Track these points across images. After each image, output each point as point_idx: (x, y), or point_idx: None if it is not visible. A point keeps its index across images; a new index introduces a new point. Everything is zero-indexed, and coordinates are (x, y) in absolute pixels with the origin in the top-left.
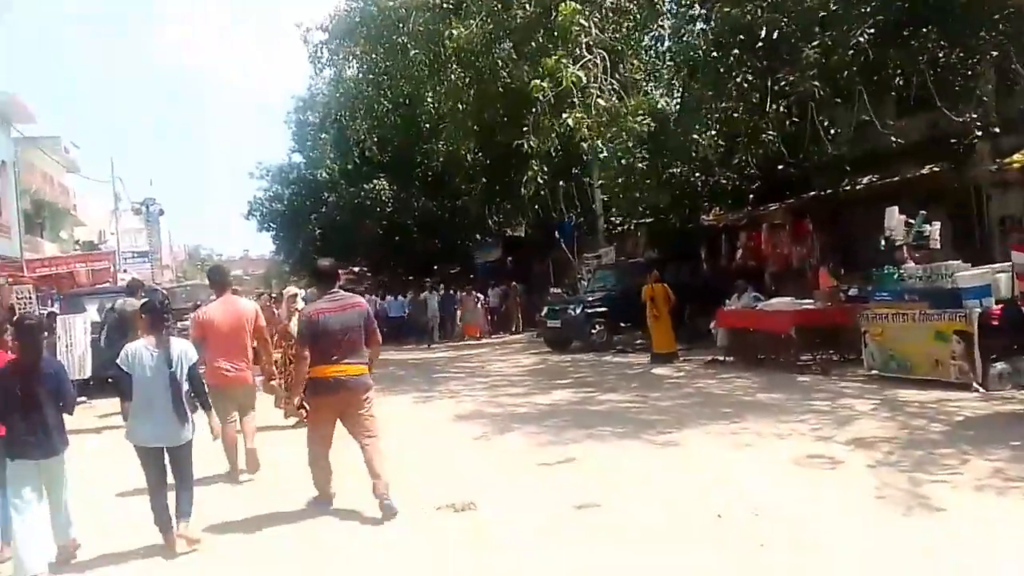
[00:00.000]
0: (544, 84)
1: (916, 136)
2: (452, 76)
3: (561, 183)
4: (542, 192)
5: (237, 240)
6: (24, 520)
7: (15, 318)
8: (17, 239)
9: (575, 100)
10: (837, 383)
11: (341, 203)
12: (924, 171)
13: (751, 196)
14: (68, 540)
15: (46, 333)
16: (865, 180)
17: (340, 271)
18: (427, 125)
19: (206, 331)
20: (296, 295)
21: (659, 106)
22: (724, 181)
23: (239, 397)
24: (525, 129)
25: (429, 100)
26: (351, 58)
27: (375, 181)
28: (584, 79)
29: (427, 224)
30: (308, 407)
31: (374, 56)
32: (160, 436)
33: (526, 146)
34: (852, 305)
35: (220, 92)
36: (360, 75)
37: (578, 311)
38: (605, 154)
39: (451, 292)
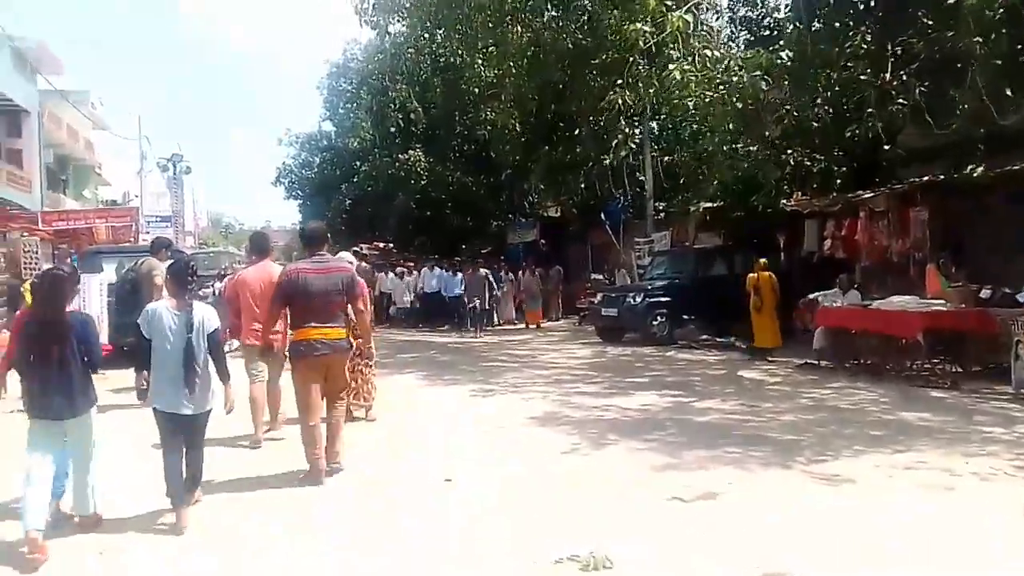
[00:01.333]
0: (645, 28)
1: None
2: (514, 30)
3: (604, 159)
4: (593, 166)
5: (260, 209)
6: (30, 484)
7: (43, 270)
8: (39, 193)
9: (674, 51)
10: (988, 401)
11: (374, 173)
12: None
13: (838, 180)
14: (90, 514)
15: (78, 285)
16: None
17: (328, 235)
18: (475, 91)
19: (240, 292)
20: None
21: (777, 60)
22: (808, 163)
23: (266, 358)
24: (618, 83)
25: (480, 62)
26: (400, 10)
27: (411, 152)
28: (692, 23)
29: (461, 200)
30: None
31: (426, 6)
32: (176, 403)
33: (620, 102)
34: (997, 309)
35: (253, 55)
36: (407, 31)
37: (639, 300)
38: (713, 116)
39: (503, 271)
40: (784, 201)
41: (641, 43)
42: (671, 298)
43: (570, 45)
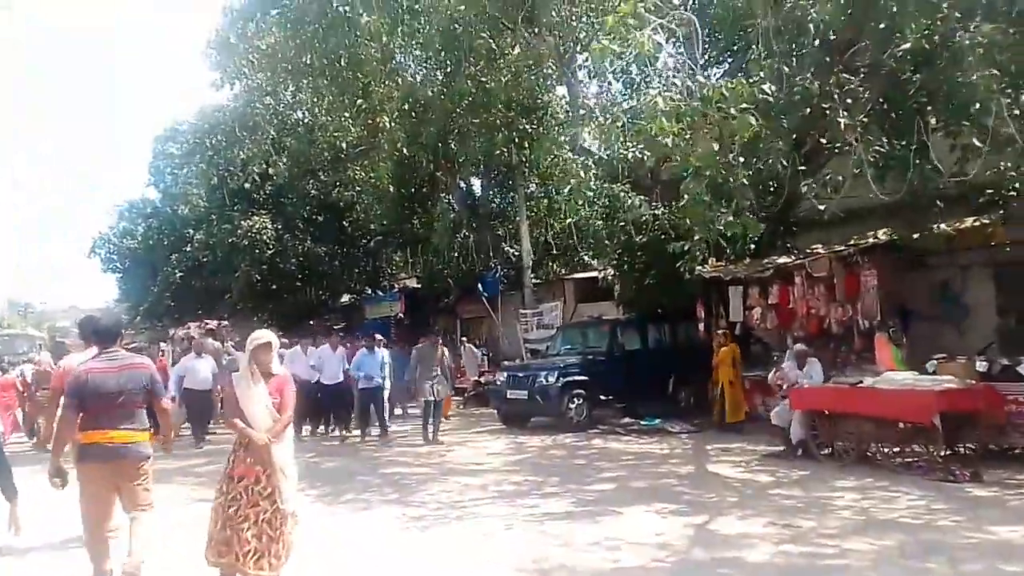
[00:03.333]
0: (613, 47)
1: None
2: (387, 84)
3: (469, 236)
4: (465, 238)
5: (69, 286)
6: None
7: None
8: None
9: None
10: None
11: (211, 242)
12: None
13: (752, 245)
14: None
15: None
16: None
17: (123, 331)
18: (327, 154)
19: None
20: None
21: (758, 95)
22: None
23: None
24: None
25: (346, 116)
26: (252, 64)
27: (256, 218)
28: (664, 46)
29: (313, 271)
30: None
31: (287, 59)
32: None
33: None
34: (1004, 384)
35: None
36: (255, 86)
37: (553, 379)
38: (696, 156)
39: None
40: (702, 267)
41: (608, 64)
42: (588, 377)
43: (450, 101)
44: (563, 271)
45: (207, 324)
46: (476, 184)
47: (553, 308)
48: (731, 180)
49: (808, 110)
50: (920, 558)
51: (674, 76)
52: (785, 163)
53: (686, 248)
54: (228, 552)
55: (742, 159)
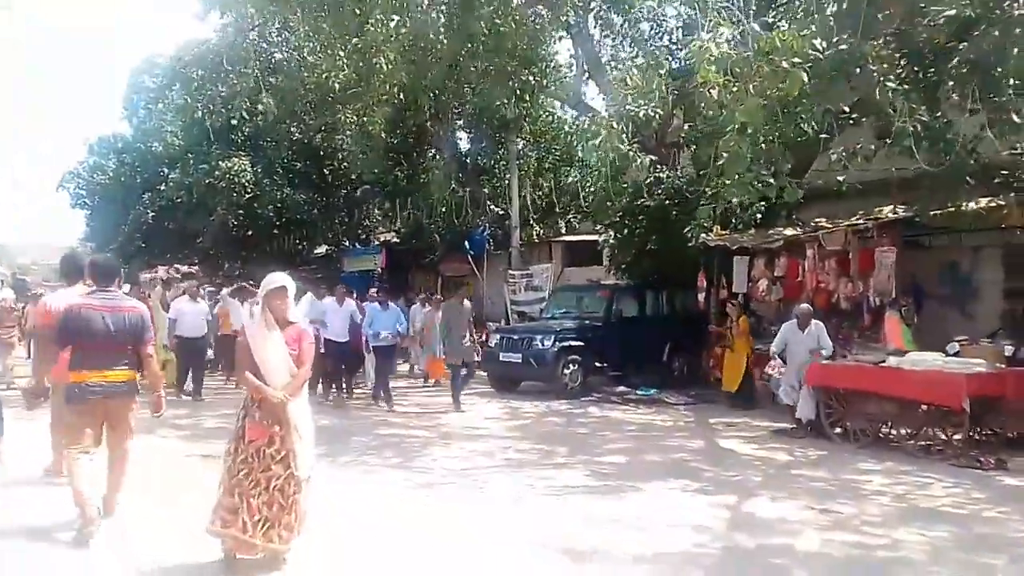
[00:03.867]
0: None
1: None
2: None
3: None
4: (453, 192)
5: (35, 222)
6: None
7: None
8: None
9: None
10: None
11: (187, 182)
12: None
13: (758, 216)
14: None
15: None
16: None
17: (122, 271)
18: (314, 96)
19: (46, 322)
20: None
21: (808, 50)
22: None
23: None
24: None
25: (341, 56)
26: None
27: (234, 160)
28: None
29: (292, 219)
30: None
31: None
32: None
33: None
34: None
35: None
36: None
37: (548, 344)
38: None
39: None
40: (708, 235)
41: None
42: (584, 342)
43: (458, 42)
44: (549, 233)
45: (178, 268)
46: (463, 139)
47: (544, 270)
48: (774, 138)
49: (858, 70)
50: (979, 553)
51: (722, 23)
52: (816, 126)
53: (696, 213)
54: (234, 521)
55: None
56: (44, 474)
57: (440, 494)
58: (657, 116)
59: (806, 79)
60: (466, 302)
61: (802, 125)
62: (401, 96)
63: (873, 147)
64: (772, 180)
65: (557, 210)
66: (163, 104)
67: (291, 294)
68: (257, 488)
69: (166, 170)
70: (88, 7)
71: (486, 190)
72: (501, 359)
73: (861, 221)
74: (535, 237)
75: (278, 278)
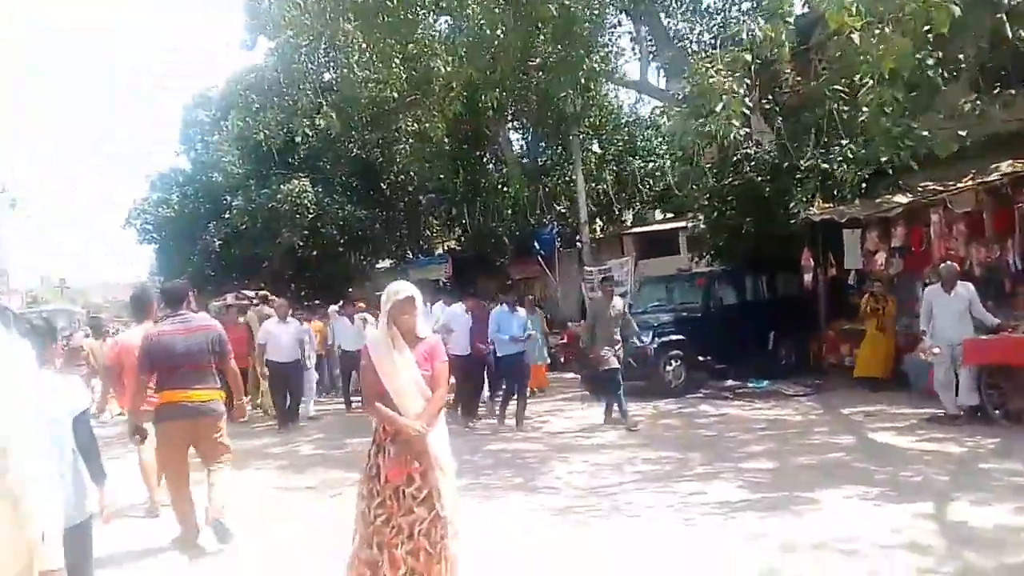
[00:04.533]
0: None
1: None
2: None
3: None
4: (518, 192)
5: (101, 257)
6: None
7: None
8: None
9: None
10: None
11: (250, 208)
12: None
13: (863, 185)
14: None
15: None
16: None
17: (191, 292)
18: (370, 110)
19: (124, 358)
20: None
21: None
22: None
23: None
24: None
25: (397, 63)
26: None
27: (296, 182)
28: None
29: (355, 236)
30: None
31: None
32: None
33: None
34: None
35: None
36: (292, 44)
37: (647, 340)
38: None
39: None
40: (810, 210)
41: None
42: (684, 336)
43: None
44: (615, 227)
45: (244, 293)
46: (518, 138)
47: (623, 264)
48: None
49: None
50: None
51: None
52: (946, 75)
53: (801, 186)
54: None
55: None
56: (145, 513)
57: (578, 519)
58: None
59: (957, 11)
60: (617, 298)
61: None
62: (462, 98)
63: (1012, 92)
64: (925, 132)
65: (620, 202)
66: (219, 135)
67: (420, 305)
68: (399, 536)
69: (229, 198)
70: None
71: (547, 188)
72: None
73: (994, 177)
74: (601, 231)
75: (404, 287)
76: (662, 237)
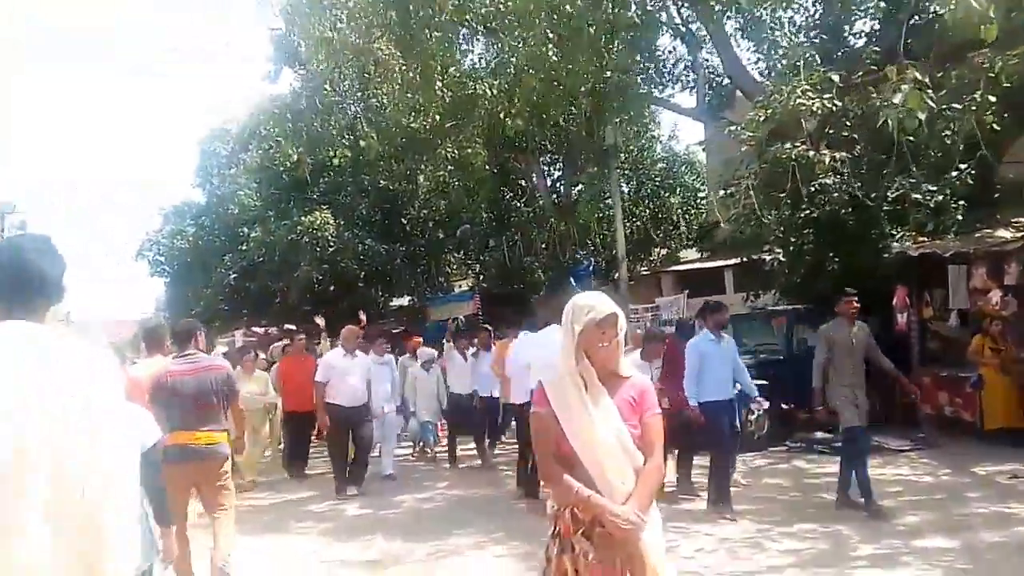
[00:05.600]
0: None
1: None
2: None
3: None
4: (554, 226)
5: (107, 289)
6: None
7: None
8: None
9: None
10: None
11: (269, 239)
12: None
13: (959, 216)
14: None
15: None
16: None
17: (199, 332)
18: (409, 134)
19: (133, 395)
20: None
21: None
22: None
23: None
24: None
25: (439, 86)
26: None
27: (316, 214)
28: None
29: (375, 270)
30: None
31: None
32: None
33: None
34: None
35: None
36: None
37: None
38: None
39: None
40: (898, 243)
41: None
42: (764, 380)
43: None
44: (643, 265)
45: (254, 330)
46: (548, 170)
47: (673, 302)
48: None
49: None
50: None
51: None
52: None
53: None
54: None
55: None
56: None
57: None
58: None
59: None
60: (859, 323)
61: None
62: (503, 127)
63: None
64: None
65: (655, 239)
66: (235, 168)
67: (623, 329)
68: None
69: (246, 230)
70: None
71: (580, 222)
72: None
73: None
74: (643, 266)
75: (601, 301)
76: (704, 275)
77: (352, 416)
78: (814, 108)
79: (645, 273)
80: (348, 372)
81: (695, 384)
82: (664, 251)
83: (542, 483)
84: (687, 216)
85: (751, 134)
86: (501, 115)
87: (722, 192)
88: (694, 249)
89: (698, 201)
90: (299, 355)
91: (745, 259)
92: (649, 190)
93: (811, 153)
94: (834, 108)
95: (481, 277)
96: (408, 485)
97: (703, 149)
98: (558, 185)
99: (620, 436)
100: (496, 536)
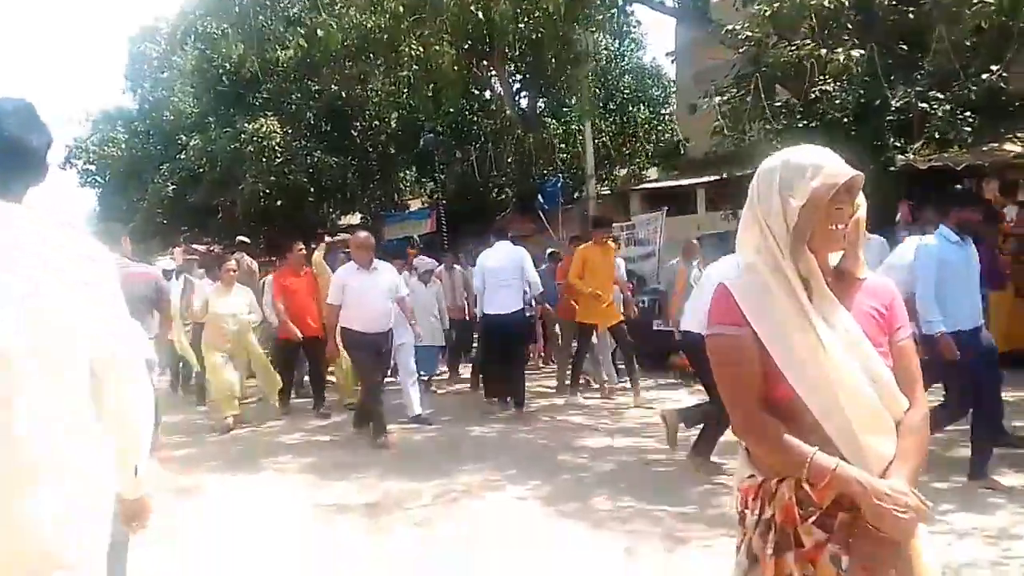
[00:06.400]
0: None
1: None
2: None
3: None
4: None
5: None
6: None
7: None
8: None
9: None
10: None
11: (210, 149)
12: None
13: (968, 129)
14: None
15: None
16: None
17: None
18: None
19: None
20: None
21: None
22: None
23: None
24: None
25: None
26: None
27: (261, 121)
28: None
29: (326, 184)
30: None
31: None
32: None
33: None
34: None
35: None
36: None
37: None
38: None
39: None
40: (905, 156)
41: None
42: None
43: None
44: (604, 185)
45: (195, 247)
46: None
47: (651, 220)
48: None
49: None
50: None
51: None
52: None
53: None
54: None
55: None
56: None
57: None
58: None
59: None
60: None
61: None
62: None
63: None
64: None
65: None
66: (168, 72)
67: (862, 205)
68: None
69: (184, 138)
70: None
71: (545, 136)
72: (656, 329)
73: None
74: (614, 184)
75: (830, 159)
76: (676, 194)
77: (376, 344)
78: (825, 2)
79: (607, 192)
80: (365, 291)
81: (934, 304)
82: (625, 170)
83: (741, 439)
84: (654, 133)
85: (749, 34)
86: (472, 7)
87: (701, 102)
88: (658, 168)
89: (663, 116)
90: (296, 268)
91: (722, 176)
92: (617, 103)
93: (823, 51)
94: (845, 2)
95: (438, 195)
96: (399, 414)
97: (672, 61)
98: (522, 96)
99: (872, 370)
100: (510, 474)
